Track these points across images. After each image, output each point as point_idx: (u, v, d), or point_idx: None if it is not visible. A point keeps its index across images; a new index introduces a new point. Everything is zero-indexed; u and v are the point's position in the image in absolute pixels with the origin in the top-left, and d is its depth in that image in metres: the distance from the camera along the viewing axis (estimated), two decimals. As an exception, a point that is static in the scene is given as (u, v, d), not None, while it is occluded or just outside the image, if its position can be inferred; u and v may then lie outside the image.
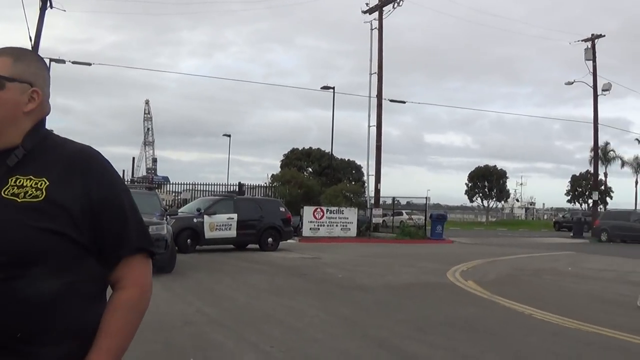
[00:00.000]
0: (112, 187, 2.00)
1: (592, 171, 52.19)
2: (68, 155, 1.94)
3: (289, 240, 26.73)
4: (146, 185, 27.42)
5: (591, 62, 43.76)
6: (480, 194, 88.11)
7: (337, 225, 32.99)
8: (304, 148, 69.48)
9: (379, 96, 38.72)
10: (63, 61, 35.38)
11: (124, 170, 67.07)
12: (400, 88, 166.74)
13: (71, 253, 1.87)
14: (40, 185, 1.85)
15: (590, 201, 59.07)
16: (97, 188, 1.93)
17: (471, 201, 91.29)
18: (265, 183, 43.50)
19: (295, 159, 66.15)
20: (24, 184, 1.85)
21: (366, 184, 43.32)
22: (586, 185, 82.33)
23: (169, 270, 15.26)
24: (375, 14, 39.25)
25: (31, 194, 1.83)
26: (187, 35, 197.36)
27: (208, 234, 22.83)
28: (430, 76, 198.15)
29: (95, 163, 1.97)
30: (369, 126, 39.30)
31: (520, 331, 9.25)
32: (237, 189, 38.04)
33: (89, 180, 1.91)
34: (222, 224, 23.21)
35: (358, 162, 66.60)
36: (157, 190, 25.34)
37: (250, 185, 42.16)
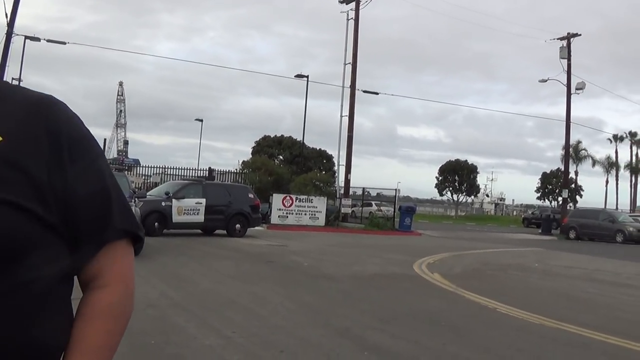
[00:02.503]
0: (89, 150, 1.46)
1: (562, 169, 52.59)
2: (26, 106, 1.39)
3: (256, 227, 26.72)
4: (116, 166, 27.15)
5: (566, 60, 44.14)
6: (451, 188, 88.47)
7: (305, 214, 32.96)
8: (275, 136, 69.41)
9: (352, 86, 38.70)
10: (38, 39, 35.01)
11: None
12: (375, 80, 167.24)
13: (33, 236, 1.30)
14: None
15: (559, 199, 59.38)
16: (69, 151, 1.39)
17: (441, 195, 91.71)
18: (236, 169, 43.39)
19: (267, 147, 66.01)
20: None
21: (337, 174, 43.42)
22: (556, 183, 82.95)
23: (135, 253, 15.11)
24: (352, 5, 39.21)
25: None
26: (165, 17, 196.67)
27: (176, 217, 22.67)
28: (406, 69, 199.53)
29: (64, 117, 1.43)
30: (342, 116, 39.29)
31: (483, 325, 9.26)
32: (207, 174, 37.87)
33: (57, 140, 1.37)
34: (190, 209, 23.05)
35: (329, 152, 66.66)
36: (126, 172, 25.04)
37: (221, 171, 42.10)
